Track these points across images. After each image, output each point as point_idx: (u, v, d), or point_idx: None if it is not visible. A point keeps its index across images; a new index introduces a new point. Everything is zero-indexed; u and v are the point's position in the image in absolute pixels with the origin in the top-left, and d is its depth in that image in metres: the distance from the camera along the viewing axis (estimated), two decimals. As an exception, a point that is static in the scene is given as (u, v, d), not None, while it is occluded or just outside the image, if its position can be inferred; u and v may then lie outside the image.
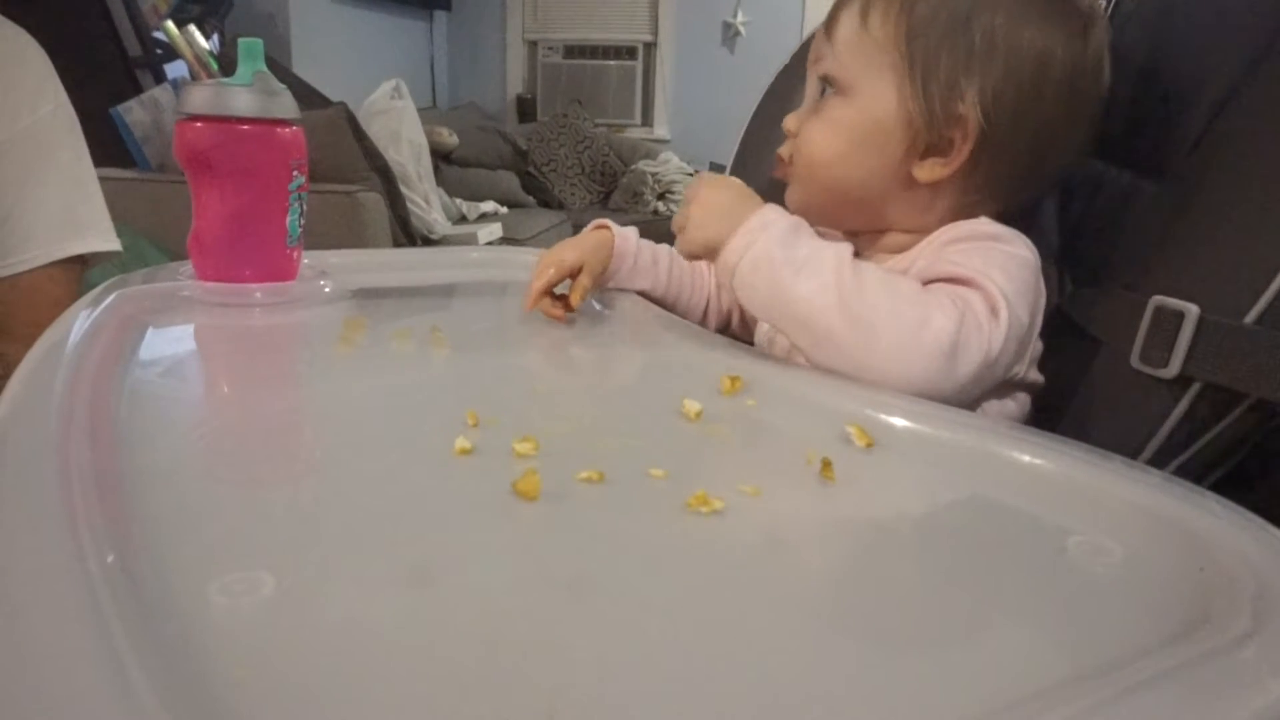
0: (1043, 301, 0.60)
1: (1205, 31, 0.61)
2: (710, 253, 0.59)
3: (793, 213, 0.64)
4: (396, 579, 0.32)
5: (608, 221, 0.76)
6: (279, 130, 0.67)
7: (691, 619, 0.31)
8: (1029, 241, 0.60)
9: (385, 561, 0.33)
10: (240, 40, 0.67)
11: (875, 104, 0.61)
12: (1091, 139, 0.64)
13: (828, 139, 0.63)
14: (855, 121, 0.62)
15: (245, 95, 0.65)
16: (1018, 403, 0.61)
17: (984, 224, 0.61)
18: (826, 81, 0.64)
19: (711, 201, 0.59)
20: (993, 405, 0.60)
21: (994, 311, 0.54)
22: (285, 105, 0.68)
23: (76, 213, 0.95)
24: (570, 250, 0.70)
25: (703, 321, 0.80)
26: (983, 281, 0.55)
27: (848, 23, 0.63)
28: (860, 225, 0.66)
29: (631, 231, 0.76)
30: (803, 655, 0.30)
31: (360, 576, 0.32)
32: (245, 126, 0.65)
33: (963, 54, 0.59)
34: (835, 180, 0.64)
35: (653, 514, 0.38)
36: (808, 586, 0.35)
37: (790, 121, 0.67)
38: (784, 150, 0.67)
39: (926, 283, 0.57)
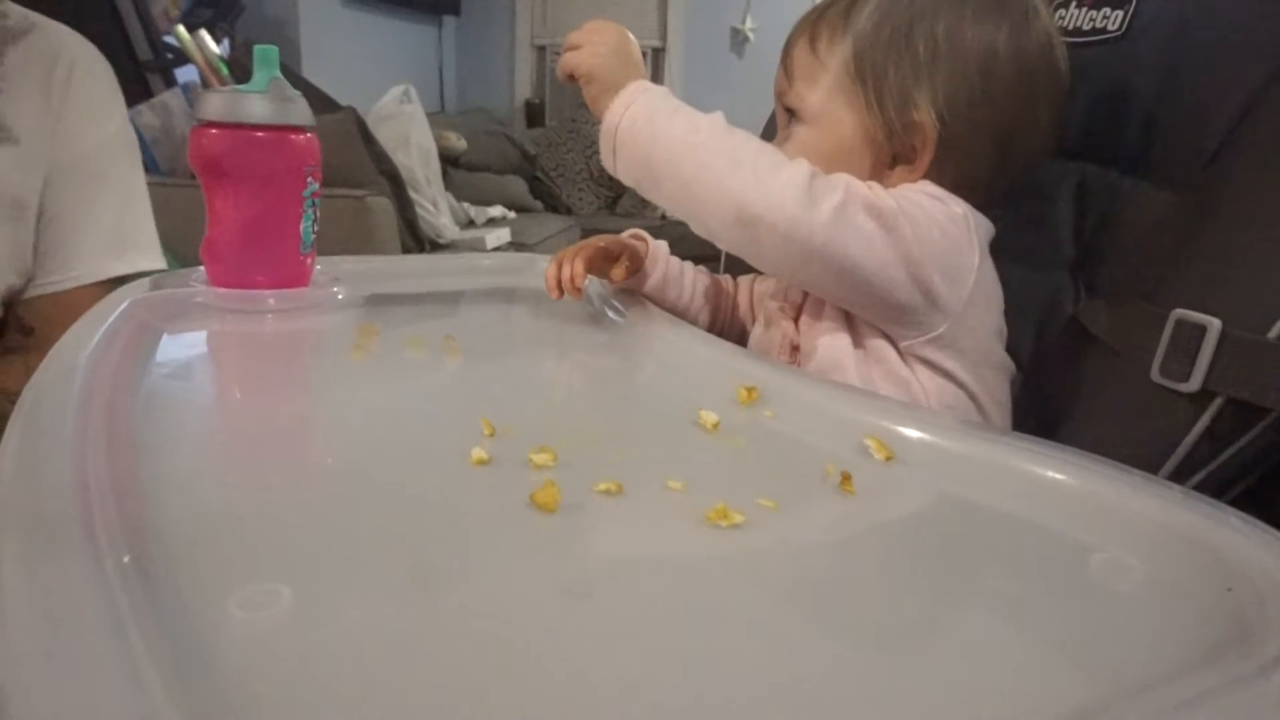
0: (973, 262, 0.60)
1: (1223, 44, 0.61)
2: (592, 82, 0.63)
3: None
4: (414, 592, 0.32)
5: (642, 232, 0.79)
6: (293, 137, 0.67)
7: (714, 634, 0.31)
8: (969, 207, 0.61)
9: (403, 574, 0.33)
10: (256, 47, 0.67)
11: (837, 127, 0.64)
12: (1055, 126, 0.65)
13: None
14: (821, 145, 0.64)
15: (260, 102, 0.65)
16: (963, 375, 0.61)
17: (925, 185, 0.62)
18: (792, 113, 0.66)
19: (605, 49, 0.63)
20: (924, 373, 0.61)
21: (874, 195, 0.58)
22: (300, 112, 0.68)
23: (127, 233, 0.96)
24: (605, 239, 0.74)
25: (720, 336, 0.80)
26: (871, 186, 0.59)
27: (799, 53, 0.66)
28: None
29: (663, 245, 0.79)
30: (825, 672, 0.30)
31: (378, 589, 0.32)
32: (260, 133, 0.65)
33: (909, 65, 0.61)
34: None
35: (672, 527, 0.37)
36: (829, 602, 0.35)
37: None
38: None
39: None
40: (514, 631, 0.30)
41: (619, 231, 0.77)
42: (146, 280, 0.67)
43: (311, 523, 0.36)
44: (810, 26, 0.66)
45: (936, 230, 0.58)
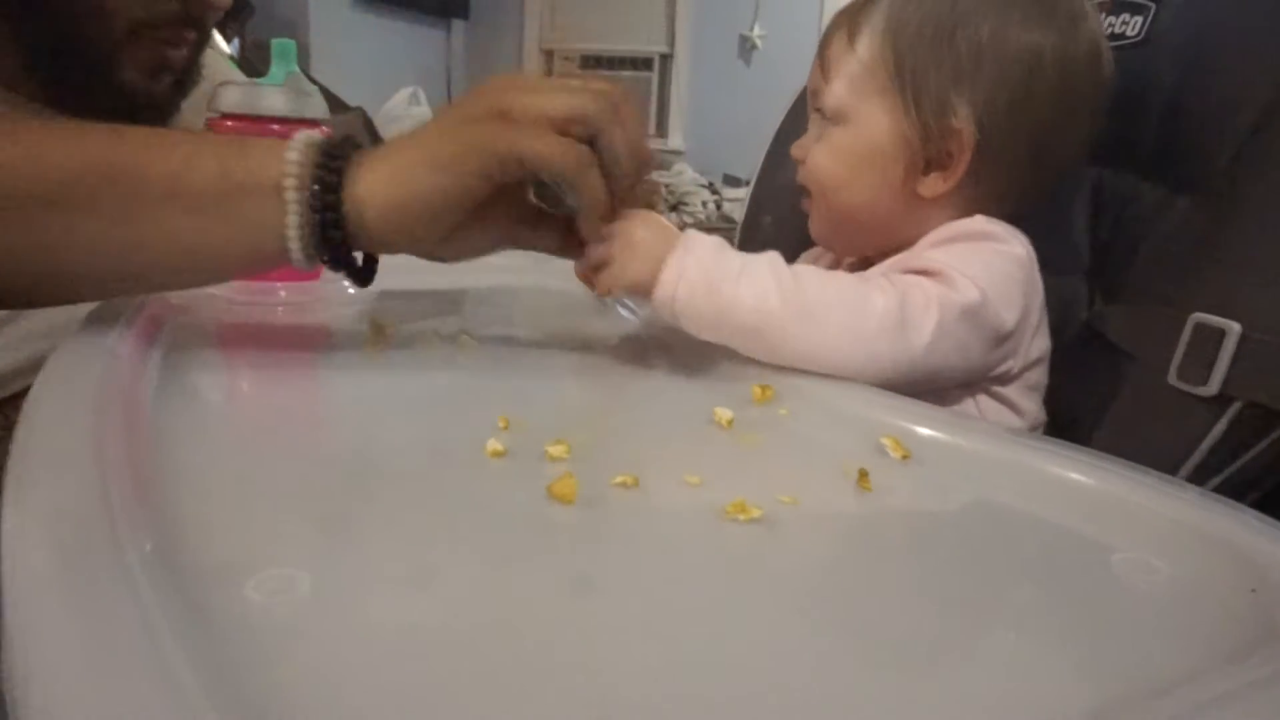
0: (1038, 299, 0.60)
1: (1242, 50, 0.61)
2: (636, 292, 0.55)
3: (823, 241, 0.69)
4: (432, 581, 0.31)
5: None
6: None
7: (735, 628, 0.31)
8: (1025, 239, 0.61)
9: (420, 563, 0.32)
10: (274, 41, 0.67)
11: (872, 129, 0.62)
12: (1093, 133, 0.64)
13: (831, 166, 0.65)
14: (854, 147, 0.63)
15: (277, 95, 0.65)
16: (1020, 401, 0.61)
17: (978, 222, 0.61)
18: (823, 112, 0.65)
19: (634, 239, 0.54)
20: (988, 403, 0.60)
21: (950, 286, 0.55)
22: (316, 106, 0.67)
23: None
24: None
25: None
26: (949, 273, 0.56)
27: (837, 50, 0.64)
28: (879, 247, 0.67)
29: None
30: (847, 669, 0.29)
31: (395, 578, 0.31)
32: (276, 125, 0.65)
33: (950, 69, 0.60)
34: (845, 205, 0.65)
35: (691, 520, 0.37)
36: (849, 599, 0.34)
37: (797, 150, 0.68)
38: (800, 178, 0.68)
39: (906, 273, 0.58)
40: (533, 622, 0.30)
41: None
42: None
43: (328, 512, 0.36)
44: (849, 22, 0.64)
45: (1018, 292, 0.58)
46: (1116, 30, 0.70)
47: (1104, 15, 0.71)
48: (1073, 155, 0.65)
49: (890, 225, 0.65)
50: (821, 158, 0.65)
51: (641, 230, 0.55)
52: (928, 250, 0.61)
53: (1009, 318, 0.57)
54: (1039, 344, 0.61)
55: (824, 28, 0.68)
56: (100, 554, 0.29)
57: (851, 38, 0.63)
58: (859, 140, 0.63)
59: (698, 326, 0.55)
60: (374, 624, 0.29)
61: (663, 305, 0.55)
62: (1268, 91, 0.56)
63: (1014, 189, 0.63)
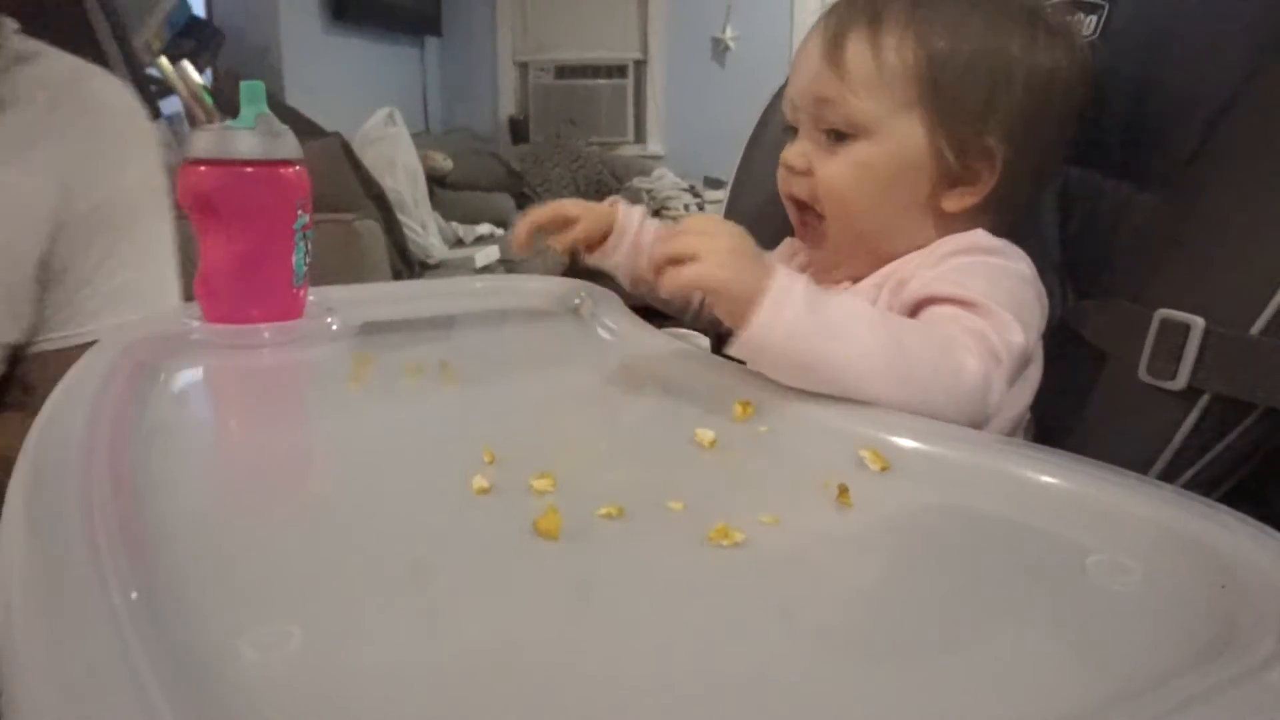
0: (1044, 314, 0.61)
1: (1199, 46, 0.62)
2: (724, 295, 0.52)
3: (828, 265, 0.66)
4: (425, 628, 0.32)
5: (619, 200, 0.79)
6: (283, 171, 0.68)
7: (724, 655, 0.31)
8: (1024, 254, 0.61)
9: (412, 610, 0.33)
10: (242, 83, 0.67)
11: (904, 143, 0.61)
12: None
13: (855, 182, 0.62)
14: (886, 163, 0.61)
15: (248, 138, 0.66)
16: (1012, 402, 0.62)
17: (982, 237, 0.62)
18: (834, 122, 0.62)
19: (722, 244, 0.52)
20: None
21: (1007, 337, 0.55)
22: (288, 146, 0.68)
23: (143, 292, 0.88)
24: (572, 205, 0.75)
25: (699, 305, 0.81)
26: (991, 307, 0.56)
27: (859, 58, 0.61)
28: (885, 259, 0.65)
29: (637, 211, 0.79)
30: (835, 686, 0.30)
31: (388, 626, 0.32)
32: (250, 169, 0.66)
33: (985, 85, 0.60)
34: (868, 223, 0.63)
35: (675, 549, 0.38)
36: (834, 617, 0.35)
37: (797, 159, 0.64)
38: (800, 191, 0.65)
39: (931, 300, 0.58)
40: (526, 663, 0.30)
41: None
42: (141, 320, 0.68)
43: (318, 559, 0.37)
44: (869, 32, 0.61)
45: (1035, 316, 0.59)
46: (1073, 30, 0.71)
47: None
48: (1060, 160, 0.66)
49: (903, 240, 0.64)
50: (842, 174, 0.62)
51: (731, 245, 0.53)
52: (934, 267, 0.60)
53: (1031, 343, 0.58)
54: (1036, 344, 0.62)
55: (795, 26, 0.67)
56: (89, 609, 0.30)
57: (874, 43, 0.60)
58: (890, 155, 0.61)
59: (781, 374, 0.53)
60: (369, 675, 0.30)
61: (749, 349, 0.52)
62: (1223, 89, 0.57)
63: (1020, 199, 0.64)
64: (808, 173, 0.64)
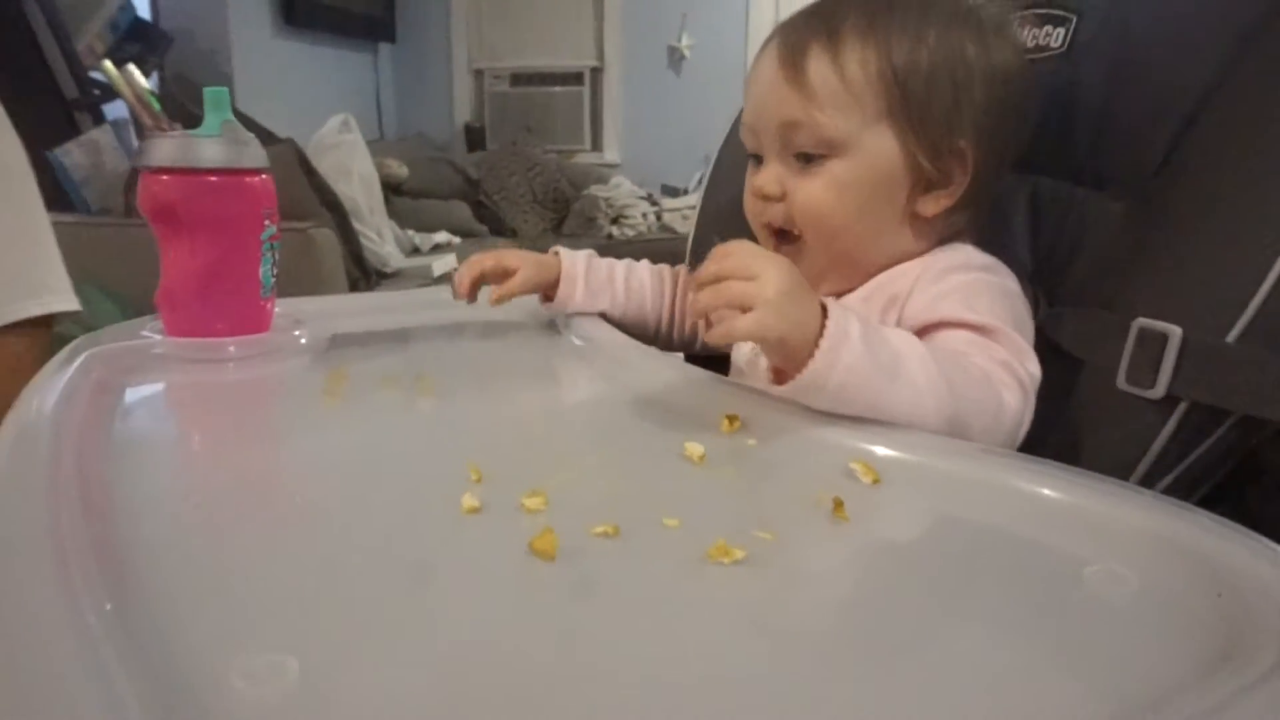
0: (1033, 329, 0.62)
1: (1166, 57, 0.63)
2: (784, 346, 0.50)
3: (809, 280, 0.64)
4: (425, 656, 0.31)
5: (560, 249, 0.78)
6: (249, 180, 0.66)
7: (730, 673, 0.31)
8: (1009, 269, 0.63)
9: (411, 638, 0.32)
10: (206, 90, 0.65)
11: (879, 156, 0.60)
12: None
13: (836, 201, 0.61)
14: (863, 178, 0.61)
15: (214, 146, 0.64)
16: None
17: (973, 254, 0.63)
18: (818, 145, 0.61)
19: (772, 287, 0.50)
20: None
21: (1029, 368, 0.56)
22: (254, 154, 0.66)
23: (29, 273, 0.91)
24: (513, 256, 0.74)
25: (668, 333, 0.81)
26: (1007, 332, 0.57)
27: (822, 76, 0.60)
28: (868, 272, 0.65)
29: (582, 255, 0.77)
30: (840, 701, 0.30)
31: (387, 655, 0.31)
32: (215, 178, 0.64)
33: (949, 89, 0.60)
34: (850, 239, 0.63)
35: (675, 568, 0.37)
36: (838, 633, 0.35)
37: (772, 186, 0.63)
38: (776, 218, 0.64)
39: (942, 323, 0.58)
40: (527, 686, 0.29)
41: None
42: (100, 332, 0.65)
43: (308, 585, 0.35)
44: (829, 48, 0.60)
45: (1031, 330, 0.60)
46: (1041, 42, 0.72)
47: (1027, 28, 0.73)
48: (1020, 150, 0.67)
49: (885, 249, 0.64)
50: (821, 194, 0.61)
51: (784, 285, 0.50)
52: (932, 285, 0.61)
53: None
54: None
55: (750, 34, 0.67)
56: (65, 645, 0.28)
57: (836, 60, 0.60)
58: (867, 169, 0.61)
59: (827, 407, 0.52)
60: (368, 705, 0.28)
61: (803, 390, 0.51)
62: (1190, 100, 0.58)
63: (992, 193, 0.66)
64: (783, 198, 0.63)
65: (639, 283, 0.79)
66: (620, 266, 0.79)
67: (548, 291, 0.77)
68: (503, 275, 0.74)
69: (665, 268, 0.83)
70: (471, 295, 0.74)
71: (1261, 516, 0.41)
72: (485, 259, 0.74)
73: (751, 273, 0.50)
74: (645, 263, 0.82)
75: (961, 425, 0.52)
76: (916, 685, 0.31)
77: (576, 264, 0.77)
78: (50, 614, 0.30)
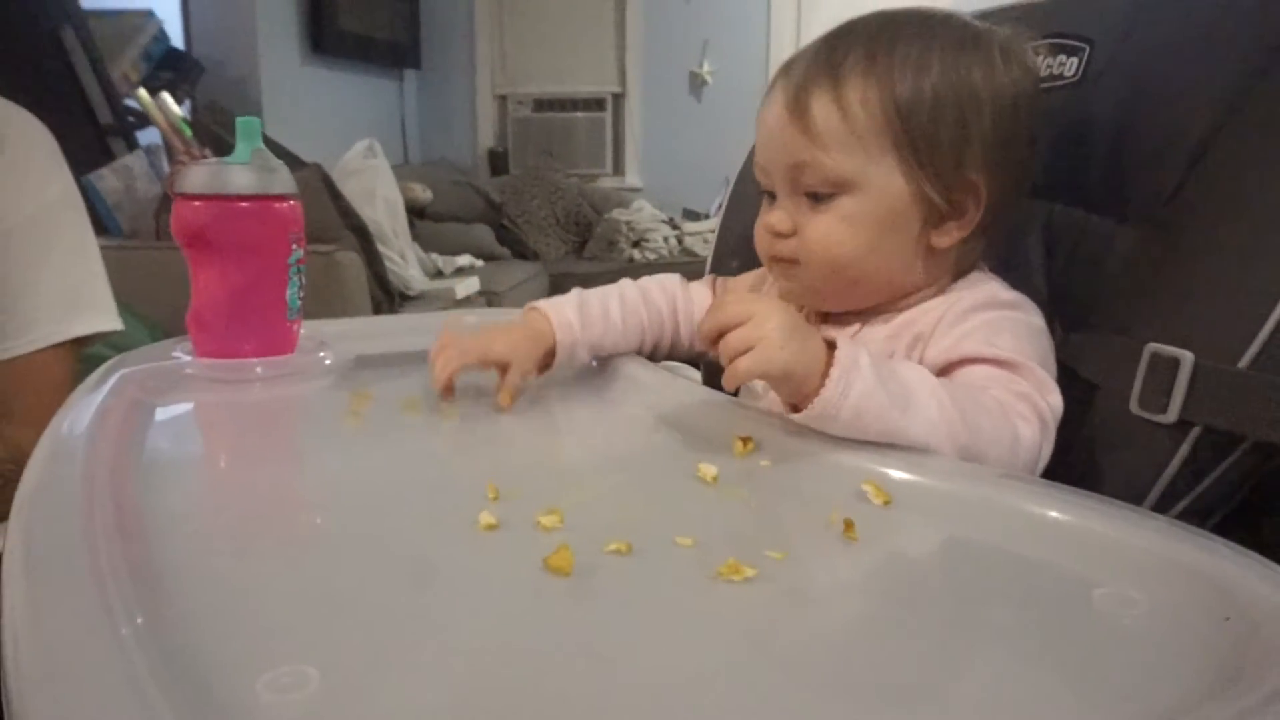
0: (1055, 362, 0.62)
1: (1175, 87, 0.63)
2: (788, 378, 0.52)
3: (808, 304, 0.66)
4: (441, 667, 0.32)
5: (540, 305, 0.71)
6: (277, 205, 0.68)
7: (741, 690, 0.31)
8: (1036, 306, 0.63)
9: (428, 649, 0.33)
10: (238, 119, 0.67)
11: (887, 191, 0.60)
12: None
13: (848, 238, 0.61)
14: (873, 214, 0.61)
15: (244, 173, 0.66)
16: None
17: (999, 289, 0.63)
18: (825, 185, 0.61)
19: (772, 325, 0.52)
20: None
21: (1049, 400, 0.56)
22: (283, 180, 0.68)
23: (79, 294, 0.95)
24: (499, 342, 0.66)
25: (686, 343, 0.79)
26: (1030, 366, 0.57)
27: (825, 116, 0.60)
28: (879, 302, 0.65)
29: (570, 305, 0.71)
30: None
31: (406, 666, 0.32)
32: (244, 204, 0.66)
33: (955, 120, 0.60)
34: (863, 273, 0.63)
35: (687, 585, 0.38)
36: (845, 650, 0.35)
37: (782, 223, 0.63)
38: (785, 252, 0.64)
39: (965, 360, 0.58)
40: (543, 700, 0.30)
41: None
42: (133, 353, 0.67)
43: (331, 599, 0.37)
44: (831, 88, 0.60)
45: (1054, 364, 0.60)
46: (1055, 71, 0.73)
47: (1041, 57, 0.74)
48: (1033, 174, 0.67)
49: (898, 280, 0.64)
50: (831, 231, 0.61)
51: (786, 326, 0.52)
52: (957, 325, 0.61)
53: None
54: None
55: (770, 61, 0.66)
56: (105, 656, 0.30)
57: (838, 100, 0.60)
58: (875, 204, 0.61)
59: (851, 433, 0.52)
60: (385, 715, 0.29)
61: (816, 419, 0.52)
62: (1203, 127, 0.59)
63: (1007, 221, 0.66)
64: (793, 234, 0.63)
65: (632, 313, 0.74)
66: (613, 300, 0.74)
67: (545, 360, 0.70)
68: (488, 364, 0.66)
69: (669, 279, 0.79)
70: (450, 393, 0.65)
71: (1277, 547, 0.41)
72: (464, 356, 0.65)
73: (747, 316, 0.52)
74: (643, 280, 0.78)
75: (976, 456, 0.52)
76: (924, 705, 0.32)
77: (571, 330, 0.69)
78: (85, 626, 0.31)
